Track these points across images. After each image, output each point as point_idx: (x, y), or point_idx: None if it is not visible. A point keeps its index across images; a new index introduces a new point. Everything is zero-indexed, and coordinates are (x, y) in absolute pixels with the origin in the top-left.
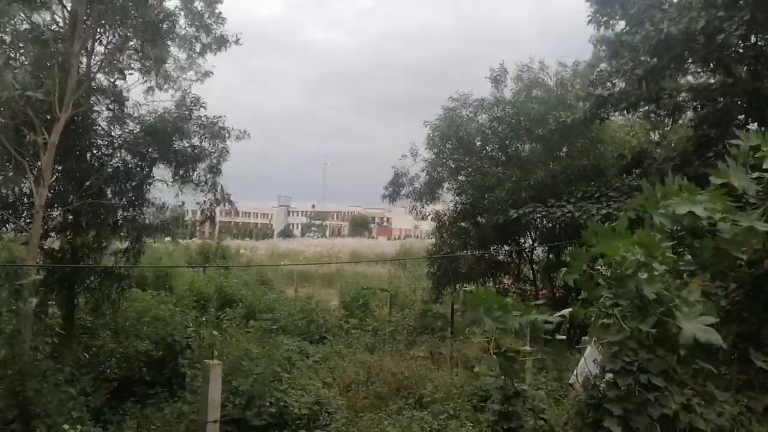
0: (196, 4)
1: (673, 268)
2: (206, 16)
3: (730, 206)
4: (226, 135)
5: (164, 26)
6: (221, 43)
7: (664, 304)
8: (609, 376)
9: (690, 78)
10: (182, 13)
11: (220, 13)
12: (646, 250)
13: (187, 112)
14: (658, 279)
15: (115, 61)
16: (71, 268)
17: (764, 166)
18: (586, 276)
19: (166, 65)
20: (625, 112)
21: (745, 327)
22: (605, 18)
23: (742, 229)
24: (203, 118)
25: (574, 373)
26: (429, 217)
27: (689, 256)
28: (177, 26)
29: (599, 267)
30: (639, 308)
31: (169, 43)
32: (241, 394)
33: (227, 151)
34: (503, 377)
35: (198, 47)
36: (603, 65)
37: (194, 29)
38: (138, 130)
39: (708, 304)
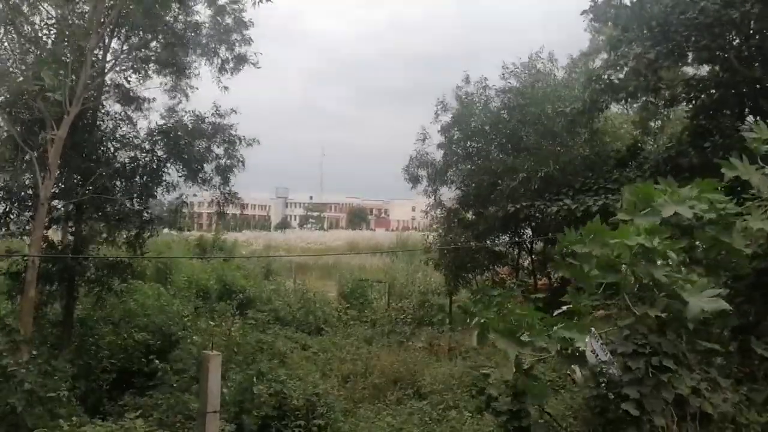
0: (226, 19)
1: (669, 255)
2: (233, 36)
3: (721, 205)
4: (238, 142)
5: (189, 34)
6: (240, 61)
7: (669, 287)
8: (609, 358)
9: (689, 69)
10: (208, 24)
11: (248, 36)
12: (654, 237)
13: (201, 119)
14: (664, 264)
15: (131, 62)
16: (72, 259)
17: None
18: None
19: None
20: (624, 102)
21: (746, 319)
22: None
23: (754, 231)
24: (217, 124)
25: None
26: (439, 202)
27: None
28: (200, 36)
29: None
30: (642, 296)
31: (190, 52)
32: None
33: (242, 162)
34: (513, 374)
35: (217, 61)
36: (603, 55)
37: (216, 42)
38: (151, 129)
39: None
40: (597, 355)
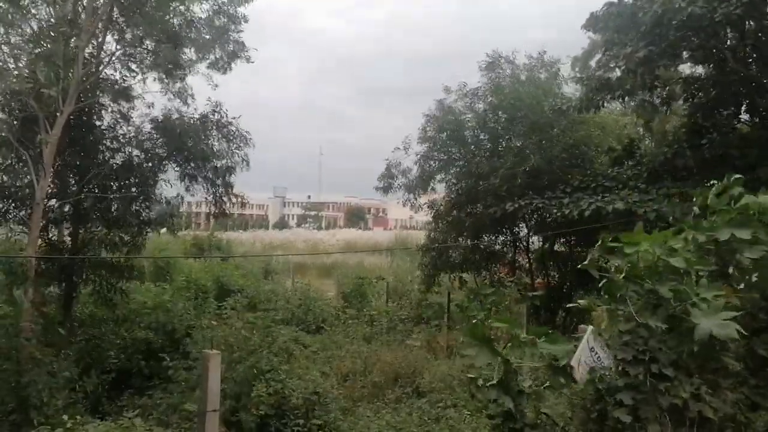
0: (220, 20)
1: (694, 269)
2: (228, 34)
3: None
4: (237, 139)
5: (184, 33)
6: (232, 57)
7: (681, 302)
8: (611, 364)
9: (685, 66)
10: (203, 23)
11: (241, 31)
12: (667, 248)
13: (200, 116)
14: (673, 278)
15: (125, 59)
16: (70, 259)
17: None
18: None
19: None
20: (621, 99)
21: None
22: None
23: None
24: (217, 121)
25: (574, 356)
26: (423, 208)
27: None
28: (193, 33)
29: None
30: (654, 305)
31: (185, 50)
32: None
33: (246, 161)
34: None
35: (210, 57)
36: (598, 56)
37: (211, 40)
38: (148, 128)
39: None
40: (598, 357)
